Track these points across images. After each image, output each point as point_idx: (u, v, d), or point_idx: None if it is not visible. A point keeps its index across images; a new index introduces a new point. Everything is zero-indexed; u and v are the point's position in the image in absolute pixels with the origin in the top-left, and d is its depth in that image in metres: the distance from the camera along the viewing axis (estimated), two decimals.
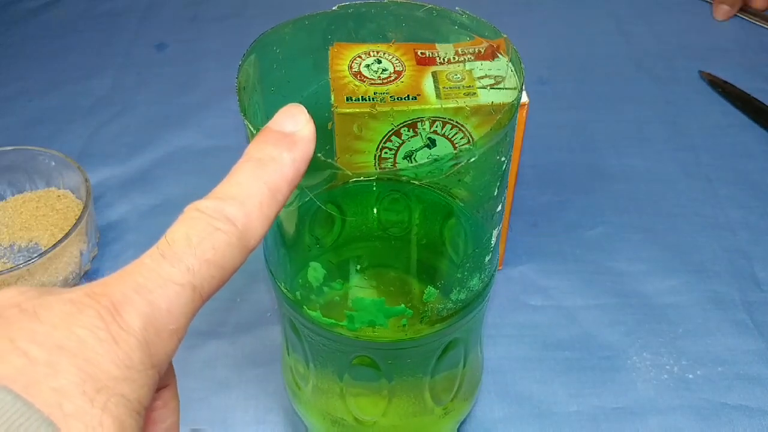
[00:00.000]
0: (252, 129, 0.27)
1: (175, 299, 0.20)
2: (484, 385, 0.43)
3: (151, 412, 0.24)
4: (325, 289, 0.33)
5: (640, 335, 0.49)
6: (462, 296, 0.34)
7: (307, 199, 0.30)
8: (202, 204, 0.22)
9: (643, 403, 0.46)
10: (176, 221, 0.22)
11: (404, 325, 0.33)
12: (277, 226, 0.33)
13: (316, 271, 0.32)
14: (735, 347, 0.49)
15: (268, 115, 0.25)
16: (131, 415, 0.19)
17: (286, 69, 0.34)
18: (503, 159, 0.31)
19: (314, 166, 0.26)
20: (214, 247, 0.21)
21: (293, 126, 0.24)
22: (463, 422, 0.44)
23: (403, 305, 0.32)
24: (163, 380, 0.24)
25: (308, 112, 0.25)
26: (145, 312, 0.20)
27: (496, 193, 0.32)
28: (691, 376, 0.47)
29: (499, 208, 0.33)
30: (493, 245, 0.34)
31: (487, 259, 0.34)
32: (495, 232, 0.34)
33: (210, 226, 0.21)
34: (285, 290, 0.35)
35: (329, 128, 0.36)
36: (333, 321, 0.34)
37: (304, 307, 0.34)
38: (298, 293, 0.34)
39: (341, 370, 0.36)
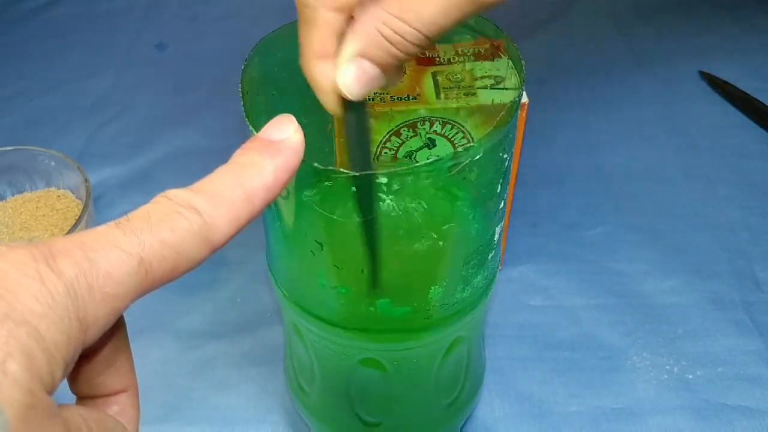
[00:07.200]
0: (255, 133, 0.27)
1: (117, 264, 0.19)
2: (484, 385, 0.43)
3: (106, 415, 0.22)
4: (330, 293, 0.33)
5: (640, 335, 0.49)
6: (466, 294, 0.34)
7: (306, 204, 0.30)
8: (172, 192, 0.21)
9: (643, 403, 0.46)
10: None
11: (410, 326, 0.33)
12: (279, 231, 0.33)
13: (319, 276, 0.32)
14: (735, 347, 0.49)
15: (272, 118, 0.25)
16: (43, 354, 0.18)
17: (288, 70, 0.34)
18: (506, 156, 0.31)
19: (312, 172, 0.25)
20: (172, 229, 0.20)
21: (280, 135, 0.23)
22: (463, 422, 0.44)
23: (408, 306, 0.32)
24: (122, 381, 0.23)
25: (308, 113, 0.25)
26: (81, 265, 0.19)
27: (499, 190, 0.32)
28: (690, 376, 0.47)
29: (502, 204, 0.33)
30: (496, 242, 0.34)
31: (490, 256, 0.34)
32: (498, 229, 0.34)
33: (173, 211, 0.21)
34: (289, 295, 0.35)
35: (329, 130, 0.36)
36: (339, 325, 0.33)
37: (309, 311, 0.34)
38: (302, 298, 0.34)
39: (347, 372, 0.36)
